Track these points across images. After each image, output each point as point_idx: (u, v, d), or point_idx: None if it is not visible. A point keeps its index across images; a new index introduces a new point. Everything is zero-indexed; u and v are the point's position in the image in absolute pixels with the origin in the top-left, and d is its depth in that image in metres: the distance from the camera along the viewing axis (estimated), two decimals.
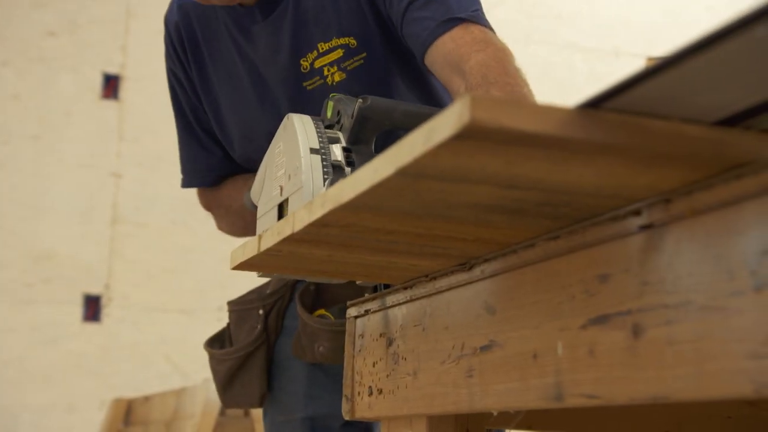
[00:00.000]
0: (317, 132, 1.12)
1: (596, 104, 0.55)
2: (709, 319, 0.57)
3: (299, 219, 0.79)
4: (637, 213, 0.65)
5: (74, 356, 3.36)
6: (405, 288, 0.97)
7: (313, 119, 1.14)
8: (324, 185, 1.07)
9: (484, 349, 0.81)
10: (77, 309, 3.40)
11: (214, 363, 1.47)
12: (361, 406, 1.04)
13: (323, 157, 1.09)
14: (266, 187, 1.19)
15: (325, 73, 1.35)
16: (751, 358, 0.53)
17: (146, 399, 2.97)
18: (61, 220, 3.43)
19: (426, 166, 0.60)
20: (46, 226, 3.42)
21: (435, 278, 0.91)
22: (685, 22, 4.17)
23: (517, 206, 0.68)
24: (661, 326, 0.61)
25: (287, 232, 0.81)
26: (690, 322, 0.58)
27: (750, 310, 0.54)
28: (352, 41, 1.35)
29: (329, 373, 1.39)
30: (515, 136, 0.55)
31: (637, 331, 0.63)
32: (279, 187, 1.13)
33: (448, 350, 0.87)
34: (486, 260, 0.83)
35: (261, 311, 1.44)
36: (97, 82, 3.54)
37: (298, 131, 1.11)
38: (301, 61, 1.36)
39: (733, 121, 0.56)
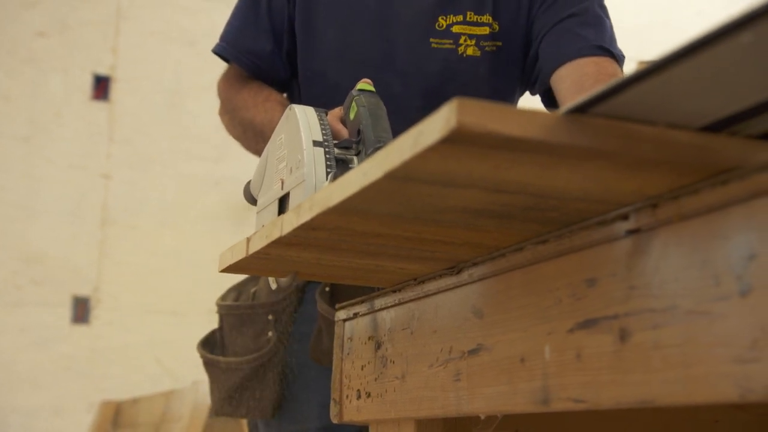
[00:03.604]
0: (320, 124, 1.06)
1: (583, 109, 0.56)
2: (695, 323, 0.57)
3: (287, 222, 0.79)
4: (624, 218, 0.65)
5: (63, 358, 3.34)
6: (393, 291, 0.97)
7: (316, 110, 1.08)
8: (327, 179, 1.01)
9: (472, 352, 0.81)
10: (66, 311, 3.38)
11: (218, 372, 1.38)
12: (349, 410, 1.04)
13: (326, 149, 1.04)
14: (266, 180, 1.13)
15: (461, 41, 1.33)
16: (736, 362, 0.53)
17: (134, 401, 2.97)
18: (50, 221, 3.42)
19: (414, 169, 0.60)
20: (35, 227, 3.41)
21: (423, 282, 0.91)
22: (675, 27, 4.19)
23: (505, 210, 0.68)
24: (647, 330, 0.61)
25: (275, 235, 0.81)
26: (676, 326, 0.59)
27: (735, 315, 0.54)
28: (496, 26, 1.35)
29: None
30: (502, 140, 0.55)
31: (623, 335, 0.63)
32: (280, 181, 1.08)
33: (436, 354, 0.87)
34: (474, 264, 0.83)
35: (271, 316, 1.37)
36: (87, 84, 3.53)
37: (301, 122, 1.05)
38: (440, 18, 1.33)
39: (718, 126, 0.56)
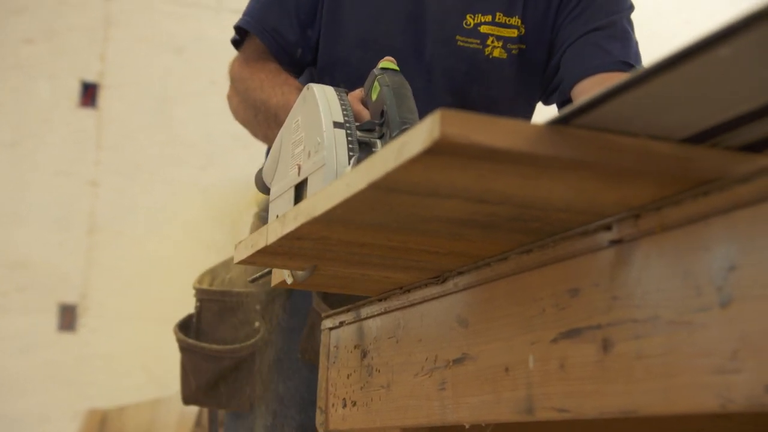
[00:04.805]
0: (341, 104, 0.97)
1: (566, 121, 0.56)
2: (676, 333, 0.57)
3: (272, 231, 0.79)
4: (607, 228, 0.65)
5: (49, 366, 3.33)
6: (379, 300, 0.97)
7: (336, 90, 1.00)
8: (349, 163, 0.93)
9: (457, 361, 0.81)
10: (52, 318, 3.37)
11: (198, 359, 1.34)
12: (335, 418, 1.04)
13: (348, 131, 0.95)
14: (281, 166, 1.04)
15: (488, 42, 1.31)
16: (716, 373, 0.54)
17: (121, 410, 2.95)
18: (37, 228, 3.41)
19: (398, 180, 0.60)
20: (21, 234, 3.39)
21: (409, 291, 0.91)
22: (663, 36, 4.21)
23: (489, 220, 0.68)
24: (629, 340, 0.61)
25: (261, 244, 0.81)
26: (658, 336, 0.59)
27: (716, 326, 0.54)
28: (523, 29, 1.33)
29: None
30: (485, 151, 0.55)
31: (606, 345, 0.63)
32: (296, 166, 0.99)
33: (421, 363, 0.87)
34: (459, 273, 0.83)
35: (258, 306, 1.33)
36: (75, 90, 3.53)
37: (320, 102, 0.96)
38: (468, 16, 1.31)
39: (699, 138, 0.57)
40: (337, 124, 0.95)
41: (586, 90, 1.29)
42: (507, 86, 1.35)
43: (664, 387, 0.58)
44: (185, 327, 1.39)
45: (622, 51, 1.32)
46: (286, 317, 1.35)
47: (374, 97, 1.01)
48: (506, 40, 1.32)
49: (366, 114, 1.04)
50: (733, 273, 0.54)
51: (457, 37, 1.31)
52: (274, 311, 1.35)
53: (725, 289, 0.54)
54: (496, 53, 1.32)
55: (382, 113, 0.98)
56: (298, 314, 1.34)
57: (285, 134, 1.05)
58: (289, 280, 1.11)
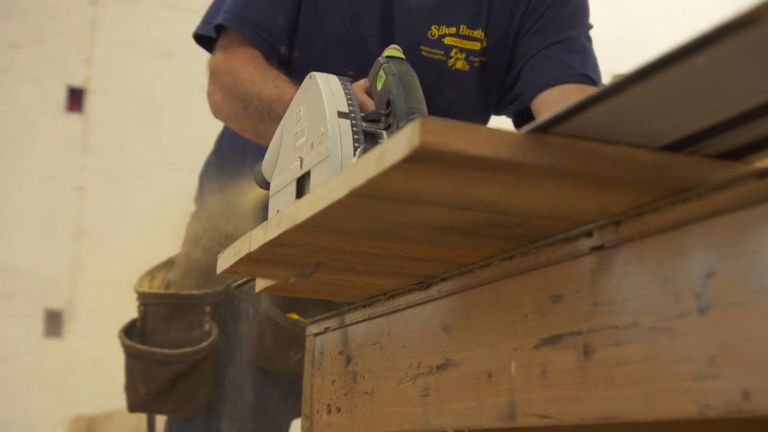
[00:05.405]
0: (345, 93, 0.94)
1: (545, 129, 0.56)
2: (656, 340, 0.58)
3: (255, 238, 0.79)
4: (588, 234, 0.66)
5: (35, 372, 3.31)
6: (364, 306, 0.97)
7: (340, 79, 0.96)
8: (355, 154, 0.89)
9: (440, 368, 0.81)
10: (38, 324, 3.35)
11: (148, 364, 1.32)
12: (319, 425, 1.03)
13: (353, 121, 0.91)
14: (282, 159, 1.00)
15: (451, 54, 1.32)
16: (695, 379, 0.54)
17: (107, 416, 2.94)
18: (23, 233, 3.39)
19: (378, 187, 0.60)
20: (7, 239, 3.38)
21: (393, 297, 0.92)
22: (650, 41, 4.23)
23: (470, 227, 0.69)
24: (610, 347, 0.62)
25: (244, 251, 0.81)
26: (638, 342, 0.59)
27: (695, 332, 0.55)
28: (485, 42, 1.34)
29: (277, 382, 1.32)
30: (465, 159, 0.55)
31: (587, 352, 0.64)
32: (299, 159, 0.95)
33: (405, 369, 0.87)
34: (442, 279, 0.83)
35: (208, 308, 1.32)
36: (61, 95, 3.51)
37: (324, 91, 0.92)
38: (433, 27, 1.31)
39: (678, 146, 0.57)
40: (341, 114, 0.91)
41: (547, 101, 1.31)
42: (467, 97, 1.37)
43: (643, 393, 0.58)
44: (129, 332, 1.36)
45: (582, 64, 1.35)
46: (235, 321, 1.34)
47: (379, 86, 0.98)
48: (469, 52, 1.33)
49: (371, 105, 1.01)
50: (712, 279, 0.54)
51: (422, 47, 1.32)
52: (224, 314, 1.33)
53: (704, 295, 0.54)
54: (459, 65, 1.33)
55: (388, 103, 0.96)
56: (248, 318, 1.32)
57: (286, 126, 1.00)
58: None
